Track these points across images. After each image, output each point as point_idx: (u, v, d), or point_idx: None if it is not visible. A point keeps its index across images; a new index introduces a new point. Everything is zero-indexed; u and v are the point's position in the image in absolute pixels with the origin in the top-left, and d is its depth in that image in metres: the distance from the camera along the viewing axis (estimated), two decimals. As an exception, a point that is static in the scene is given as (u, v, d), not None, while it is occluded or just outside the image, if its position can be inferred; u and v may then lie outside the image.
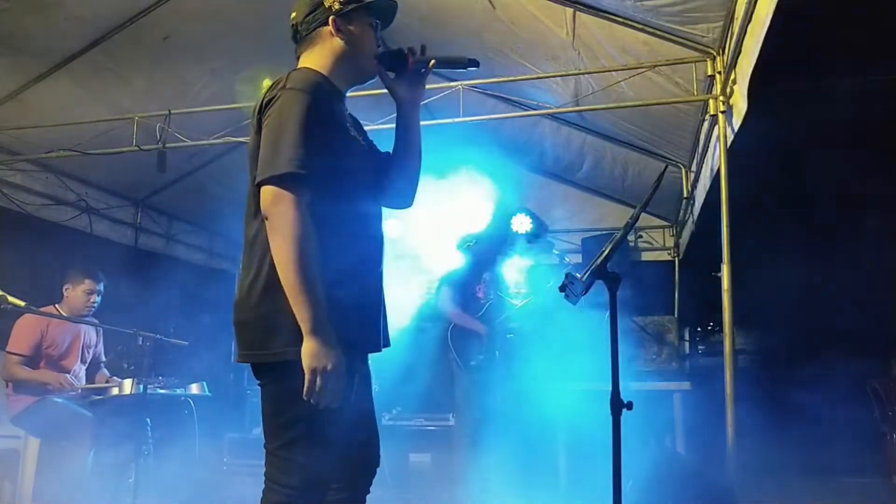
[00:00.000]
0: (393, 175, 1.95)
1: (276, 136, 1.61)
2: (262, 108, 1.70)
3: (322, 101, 1.68)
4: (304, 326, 1.56)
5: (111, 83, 4.71)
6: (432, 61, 1.92)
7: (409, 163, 1.97)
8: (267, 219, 1.60)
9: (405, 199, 2.03)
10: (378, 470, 1.92)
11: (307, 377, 1.56)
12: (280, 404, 1.67)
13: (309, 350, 1.56)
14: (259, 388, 1.72)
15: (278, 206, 1.57)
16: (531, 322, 4.78)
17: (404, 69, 1.92)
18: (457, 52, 1.98)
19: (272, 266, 1.61)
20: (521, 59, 4.57)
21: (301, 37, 1.87)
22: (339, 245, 1.67)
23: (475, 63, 1.92)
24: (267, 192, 1.59)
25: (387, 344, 1.88)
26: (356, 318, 1.71)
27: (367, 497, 1.87)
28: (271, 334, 1.63)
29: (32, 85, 4.55)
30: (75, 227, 5.65)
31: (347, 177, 1.74)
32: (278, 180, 1.57)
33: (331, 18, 1.81)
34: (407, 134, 1.96)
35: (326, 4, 1.82)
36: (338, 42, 1.83)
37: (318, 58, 1.84)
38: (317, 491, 1.70)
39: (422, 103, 2.02)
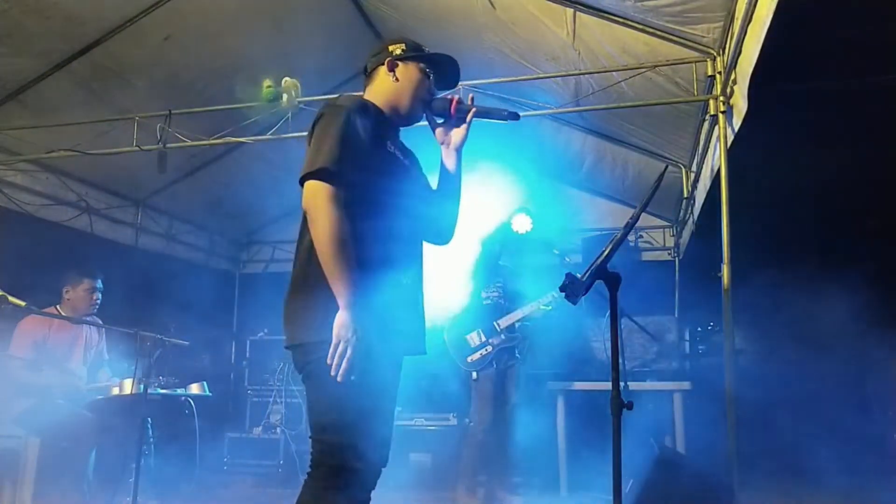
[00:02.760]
0: (434, 212, 2.11)
1: (318, 144, 1.82)
2: (315, 123, 1.90)
3: (363, 117, 1.87)
4: (341, 301, 1.73)
5: (111, 83, 4.71)
6: (472, 111, 2.08)
7: (448, 202, 2.16)
8: (306, 211, 1.79)
9: (445, 237, 2.19)
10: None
11: (333, 342, 1.71)
12: (317, 391, 1.80)
13: (340, 319, 1.72)
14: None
15: (314, 198, 1.77)
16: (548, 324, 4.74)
17: (448, 116, 2.10)
18: (499, 105, 2.18)
19: (312, 261, 1.79)
20: (521, 59, 4.57)
21: (366, 72, 2.12)
22: (371, 243, 1.81)
23: (515, 116, 2.05)
24: (306, 187, 1.79)
25: (423, 351, 2.00)
26: (388, 316, 1.82)
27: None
28: (307, 323, 1.80)
29: (32, 85, 4.54)
30: (75, 227, 5.64)
31: (381, 183, 1.89)
32: (314, 175, 1.77)
33: (387, 59, 2.05)
34: (448, 175, 2.15)
35: (390, 49, 2.07)
36: (389, 81, 2.05)
37: (373, 93, 2.07)
38: (353, 475, 1.75)
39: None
